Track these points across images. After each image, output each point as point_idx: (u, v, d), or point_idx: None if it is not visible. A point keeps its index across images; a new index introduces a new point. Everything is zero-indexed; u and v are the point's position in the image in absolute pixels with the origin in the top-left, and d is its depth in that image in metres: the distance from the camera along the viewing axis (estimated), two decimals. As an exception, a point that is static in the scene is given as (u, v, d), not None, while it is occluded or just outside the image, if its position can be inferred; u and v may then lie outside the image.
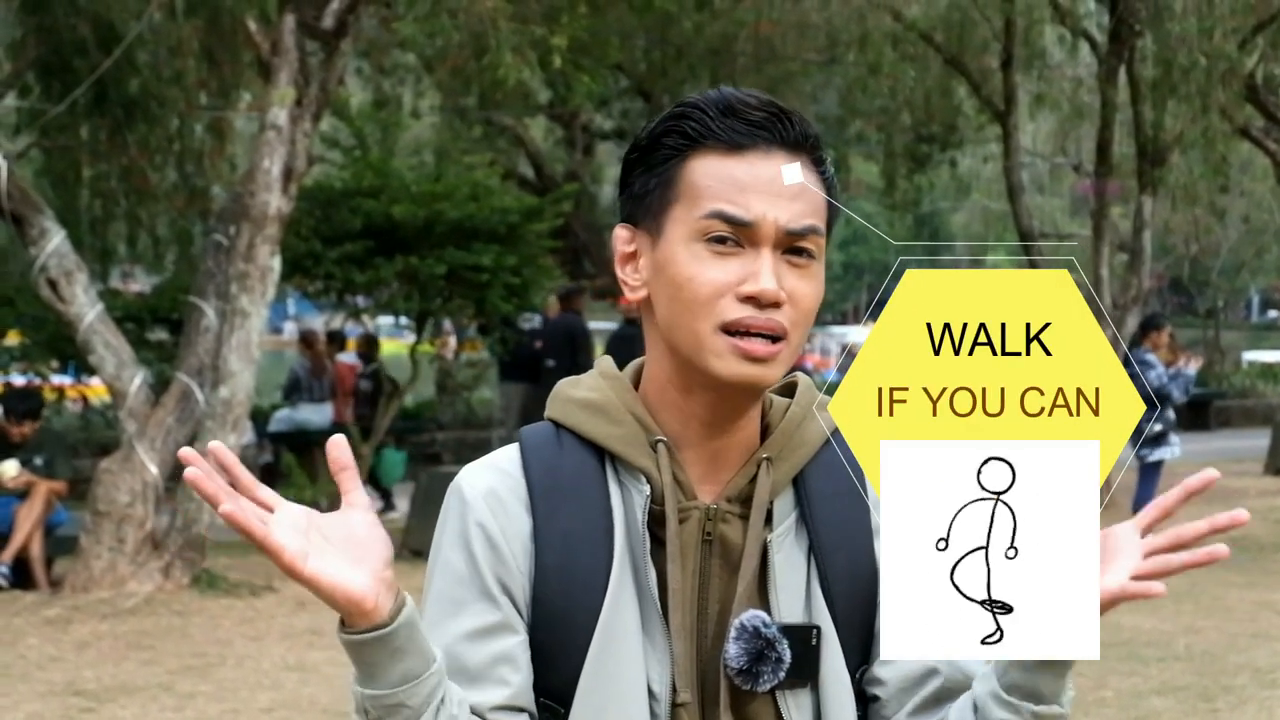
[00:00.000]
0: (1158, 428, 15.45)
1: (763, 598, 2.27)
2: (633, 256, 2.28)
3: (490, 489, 2.25)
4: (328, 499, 16.85)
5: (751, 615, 2.24)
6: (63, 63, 17.53)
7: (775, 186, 2.18)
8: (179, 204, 20.38)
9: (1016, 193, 20.20)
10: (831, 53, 23.70)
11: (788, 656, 2.24)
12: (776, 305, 2.18)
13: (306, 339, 21.32)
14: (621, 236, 2.29)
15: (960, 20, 20.34)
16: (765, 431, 2.32)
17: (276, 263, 13.94)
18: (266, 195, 13.72)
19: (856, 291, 63.56)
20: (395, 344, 23.87)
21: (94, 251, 20.35)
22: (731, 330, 2.17)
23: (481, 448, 23.06)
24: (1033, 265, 19.93)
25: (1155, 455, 15.64)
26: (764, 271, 2.17)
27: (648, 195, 2.24)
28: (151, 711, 9.88)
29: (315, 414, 20.23)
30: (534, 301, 17.44)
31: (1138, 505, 15.52)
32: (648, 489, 2.24)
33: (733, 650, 2.23)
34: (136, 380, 13.61)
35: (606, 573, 2.21)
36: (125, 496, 13.36)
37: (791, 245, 2.20)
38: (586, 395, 2.30)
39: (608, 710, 2.21)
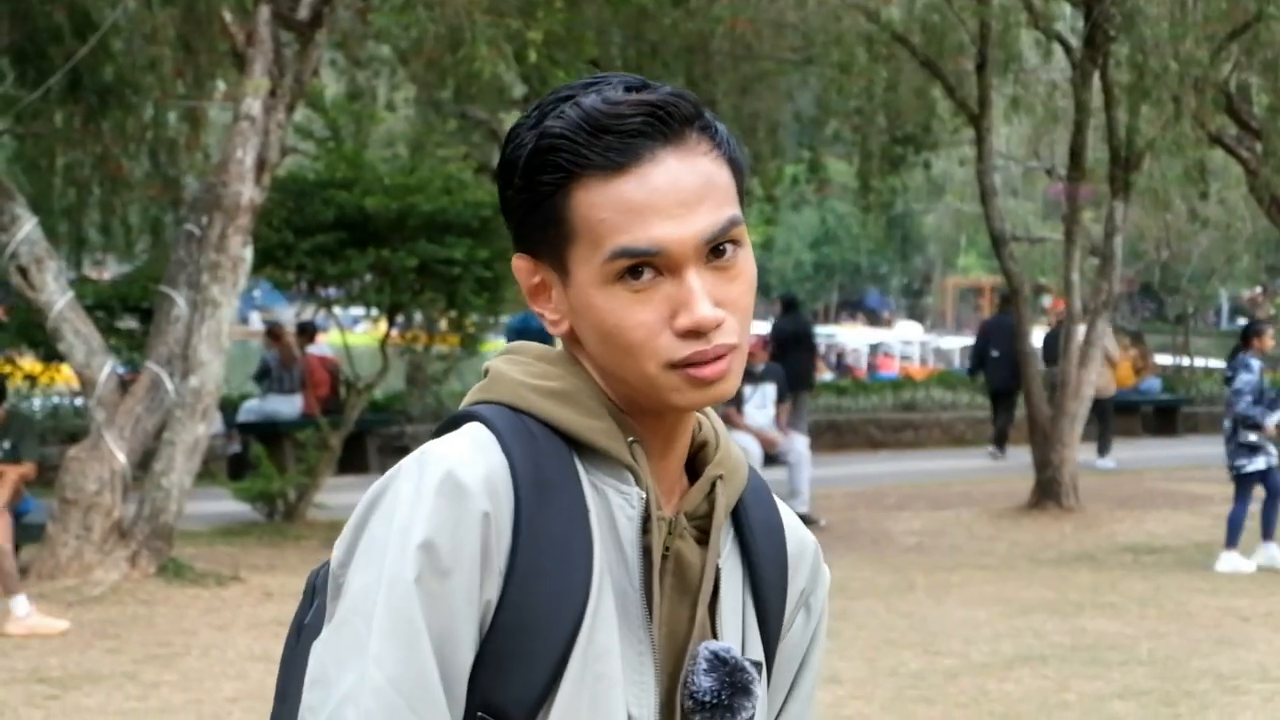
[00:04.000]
0: (1252, 438, 15.33)
1: (711, 626, 2.10)
2: (542, 287, 2.05)
3: (488, 475, 1.96)
4: (296, 490, 16.86)
5: (723, 646, 2.06)
6: (37, 49, 17.50)
7: (675, 197, 1.96)
8: (152, 192, 20.37)
9: (989, 195, 20.24)
10: (807, 52, 23.74)
11: (761, 693, 2.08)
12: (718, 325, 1.98)
13: (273, 331, 21.32)
14: (523, 269, 2.06)
15: (935, 23, 20.37)
16: (695, 443, 2.15)
17: (248, 253, 13.93)
18: (239, 185, 13.72)
19: (828, 291, 63.68)
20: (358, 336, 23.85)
21: (66, 239, 20.32)
22: (681, 365, 1.98)
23: (451, 442, 23.06)
24: (1004, 269, 20.01)
25: (1251, 465, 15.42)
26: (696, 300, 1.96)
27: (537, 230, 2.01)
28: (116, 700, 9.88)
29: (285, 405, 20.24)
30: (505, 296, 17.45)
31: (1233, 521, 15.62)
32: (635, 490, 2.03)
33: (705, 683, 2.04)
34: (106, 368, 13.60)
35: (586, 582, 1.98)
36: (93, 485, 13.35)
37: (714, 248, 1.98)
38: (546, 383, 2.04)
39: None
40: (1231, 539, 15.55)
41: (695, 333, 1.95)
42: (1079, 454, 19.88)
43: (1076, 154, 20.22)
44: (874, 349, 47.21)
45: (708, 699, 2.04)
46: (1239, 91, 22.18)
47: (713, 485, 2.10)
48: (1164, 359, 34.24)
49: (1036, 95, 24.50)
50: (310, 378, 20.59)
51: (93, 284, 19.79)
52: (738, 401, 17.96)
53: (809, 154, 27.88)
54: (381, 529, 1.94)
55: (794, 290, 61.15)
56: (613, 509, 2.03)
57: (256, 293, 29.82)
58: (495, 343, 39.15)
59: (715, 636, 2.08)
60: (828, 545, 16.52)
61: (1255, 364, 15.48)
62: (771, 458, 17.76)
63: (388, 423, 22.70)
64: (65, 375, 18.77)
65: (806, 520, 17.64)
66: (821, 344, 43.03)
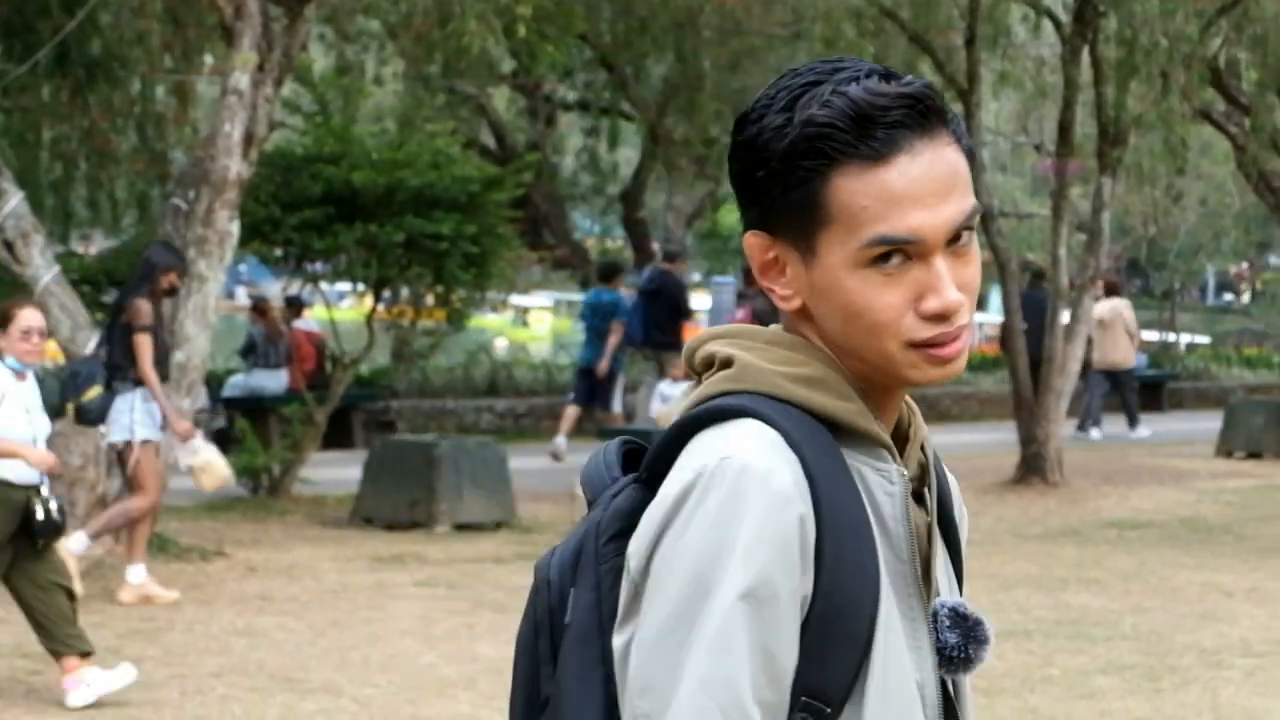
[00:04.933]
0: None
1: (927, 583, 2.17)
2: (774, 264, 2.12)
3: (795, 478, 2.01)
4: (280, 465, 16.86)
5: (958, 602, 2.16)
6: (25, 23, 17.44)
7: (930, 187, 2.05)
8: (139, 167, 20.31)
9: (977, 171, 19.98)
10: (796, 27, 23.70)
11: (991, 639, 2.18)
12: (960, 308, 2.08)
13: (259, 306, 21.31)
14: (758, 245, 2.12)
15: (925, -3, 20.35)
16: None
17: (235, 228, 13.93)
18: (226, 160, 13.71)
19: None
20: (344, 311, 23.85)
21: (53, 213, 20.28)
22: (922, 345, 2.08)
23: (437, 416, 23.07)
24: (991, 245, 20.00)
25: None
26: (944, 286, 2.06)
27: (788, 212, 2.07)
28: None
29: (270, 380, 20.22)
30: (491, 271, 17.45)
31: None
32: (893, 467, 2.11)
33: (951, 639, 2.13)
34: (91, 343, 13.59)
35: (875, 561, 2.05)
36: (77, 459, 13.34)
37: (956, 237, 2.09)
38: (797, 370, 2.09)
39: (891, 709, 2.06)
40: None
41: (941, 316, 2.06)
42: (1064, 429, 19.90)
43: (1065, 129, 20.20)
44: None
45: (954, 654, 2.14)
46: (1228, 67, 22.22)
47: (922, 448, 2.21)
48: (1150, 335, 34.22)
49: (1025, 71, 24.49)
50: (296, 353, 20.57)
51: (79, 258, 19.74)
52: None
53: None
54: (698, 539, 1.99)
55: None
56: (871, 486, 2.10)
57: (243, 267, 29.78)
58: (482, 319, 39.13)
59: (937, 592, 2.17)
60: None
61: None
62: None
63: (373, 398, 22.69)
64: (51, 350, 18.73)
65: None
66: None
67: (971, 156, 2.12)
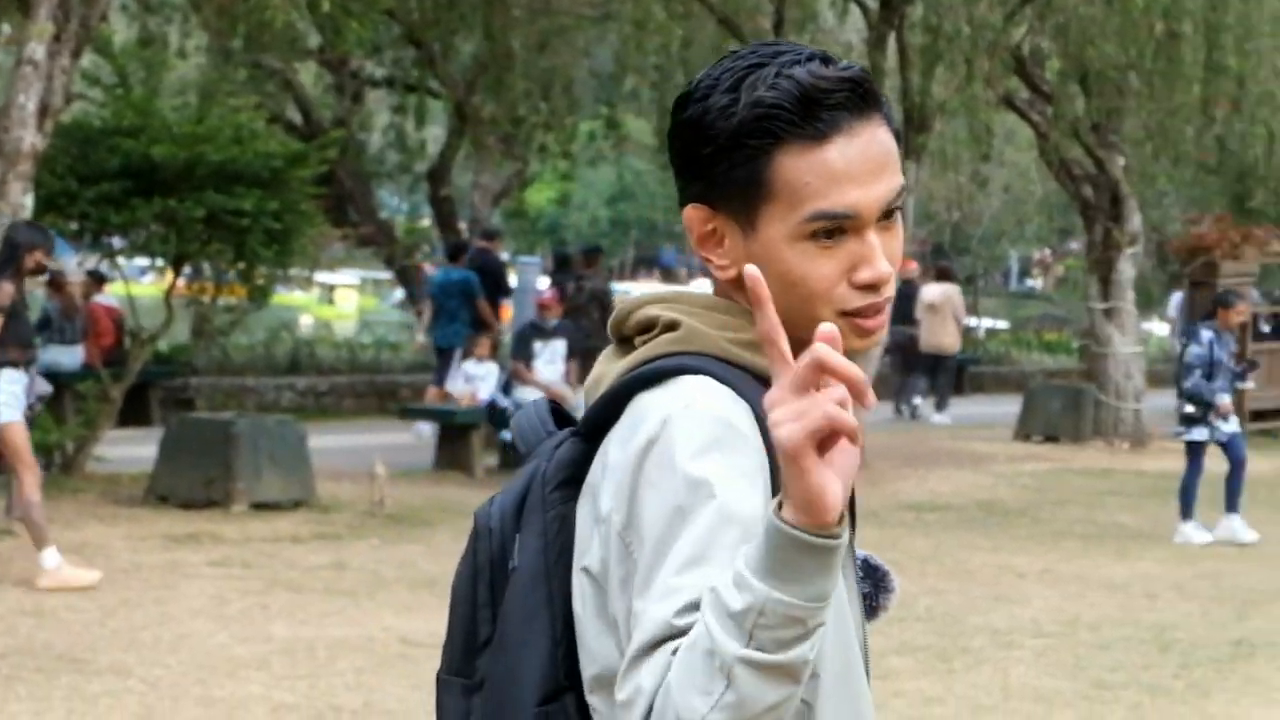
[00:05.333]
0: (1189, 409, 15.08)
1: None
2: (712, 235, 2.24)
3: (751, 421, 2.12)
4: (74, 442, 16.57)
5: (865, 554, 2.33)
6: None
7: (866, 166, 2.17)
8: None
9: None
10: (606, 8, 23.68)
11: (897, 588, 2.40)
12: (889, 280, 2.23)
13: (55, 281, 20.94)
14: (698, 218, 2.23)
15: (733, -20, 20.41)
16: None
17: (29, 200, 13.67)
18: (21, 131, 13.46)
19: (624, 247, 63.65)
20: (145, 286, 23.51)
21: None
22: (851, 314, 2.21)
23: (236, 394, 22.81)
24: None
25: (1189, 435, 15.17)
26: (877, 258, 2.19)
27: (732, 187, 2.19)
28: (-121, 656, 9.66)
29: (65, 356, 19.88)
30: (294, 248, 17.25)
31: (1182, 490, 15.33)
32: None
33: (864, 588, 2.30)
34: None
35: None
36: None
37: (887, 213, 2.22)
38: (737, 334, 2.21)
39: (843, 654, 2.16)
40: (1185, 509, 15.31)
41: (872, 286, 2.20)
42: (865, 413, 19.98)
43: (870, 115, 20.32)
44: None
45: (869, 603, 2.36)
46: (1031, 56, 22.51)
47: None
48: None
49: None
50: (95, 328, 20.24)
51: None
52: (527, 357, 17.91)
53: (607, 110, 27.85)
54: (673, 478, 2.05)
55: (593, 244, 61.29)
56: None
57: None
58: (288, 296, 38.62)
59: None
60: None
61: (1206, 335, 15.11)
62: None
63: (172, 375, 22.41)
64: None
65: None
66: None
67: (898, 136, 2.25)
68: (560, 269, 23.40)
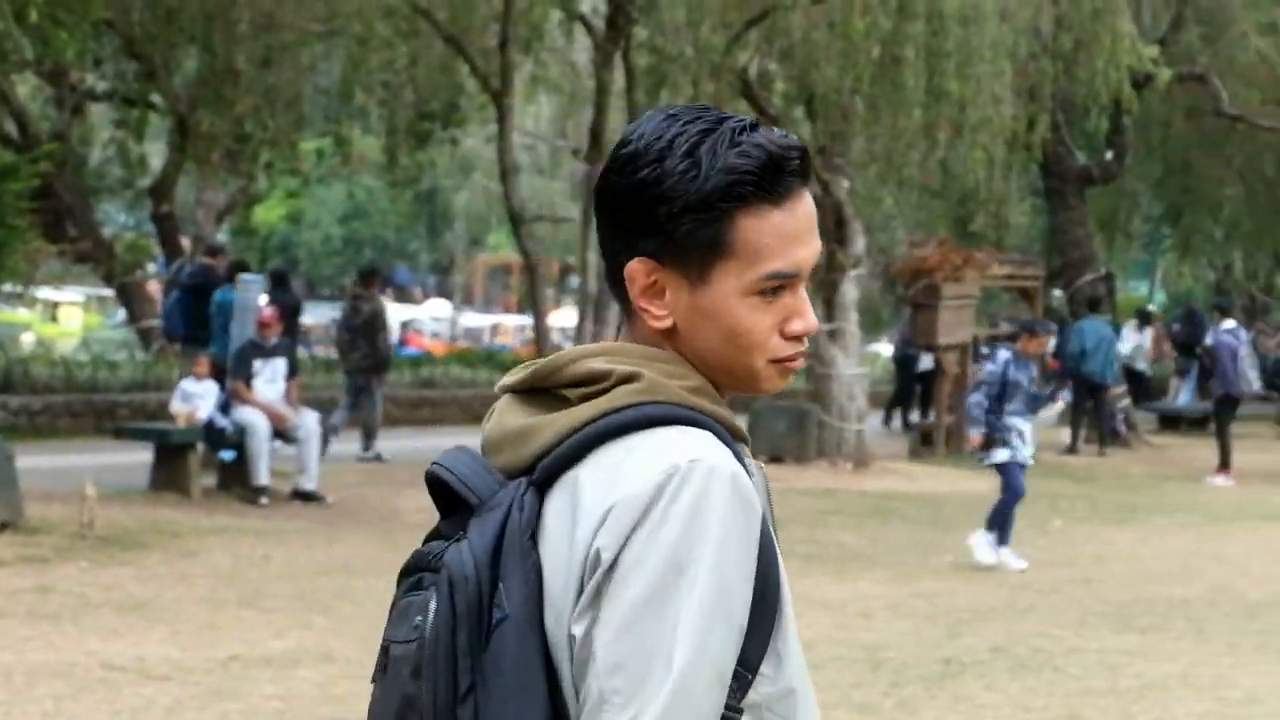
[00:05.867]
0: (972, 433, 14.96)
1: None
2: (653, 287, 2.34)
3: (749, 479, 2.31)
4: None
5: None
6: None
7: (807, 226, 2.36)
8: None
9: (509, 173, 20.30)
10: (331, 24, 23.46)
11: None
12: None
13: None
14: (642, 270, 2.33)
15: (461, -1, 20.34)
16: None
17: None
18: None
19: (356, 266, 63.16)
20: None
21: None
22: (780, 361, 2.39)
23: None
24: (521, 248, 20.09)
25: (993, 459, 14.98)
26: (808, 311, 2.38)
27: (690, 246, 2.31)
28: None
29: None
30: (5, 263, 16.83)
31: (998, 515, 15.07)
32: (754, 462, 2.41)
33: None
34: None
35: (774, 540, 2.34)
36: None
37: None
38: (689, 383, 2.34)
39: (799, 670, 2.36)
40: (1000, 535, 15.07)
41: (801, 336, 2.38)
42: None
43: (597, 135, 20.41)
44: (405, 326, 47.05)
45: None
46: (758, 78, 22.67)
47: None
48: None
49: (563, 75, 24.66)
50: None
51: None
52: (247, 376, 17.62)
53: (334, 128, 27.61)
54: (674, 533, 2.19)
55: (322, 267, 60.72)
56: (757, 482, 2.36)
57: None
58: (7, 313, 37.66)
59: None
60: (335, 523, 16.38)
61: (1003, 356, 15.09)
62: (281, 434, 17.47)
63: None
64: None
65: (312, 497, 17.47)
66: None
67: None
68: (278, 287, 23.09)
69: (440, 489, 2.36)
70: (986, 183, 24.24)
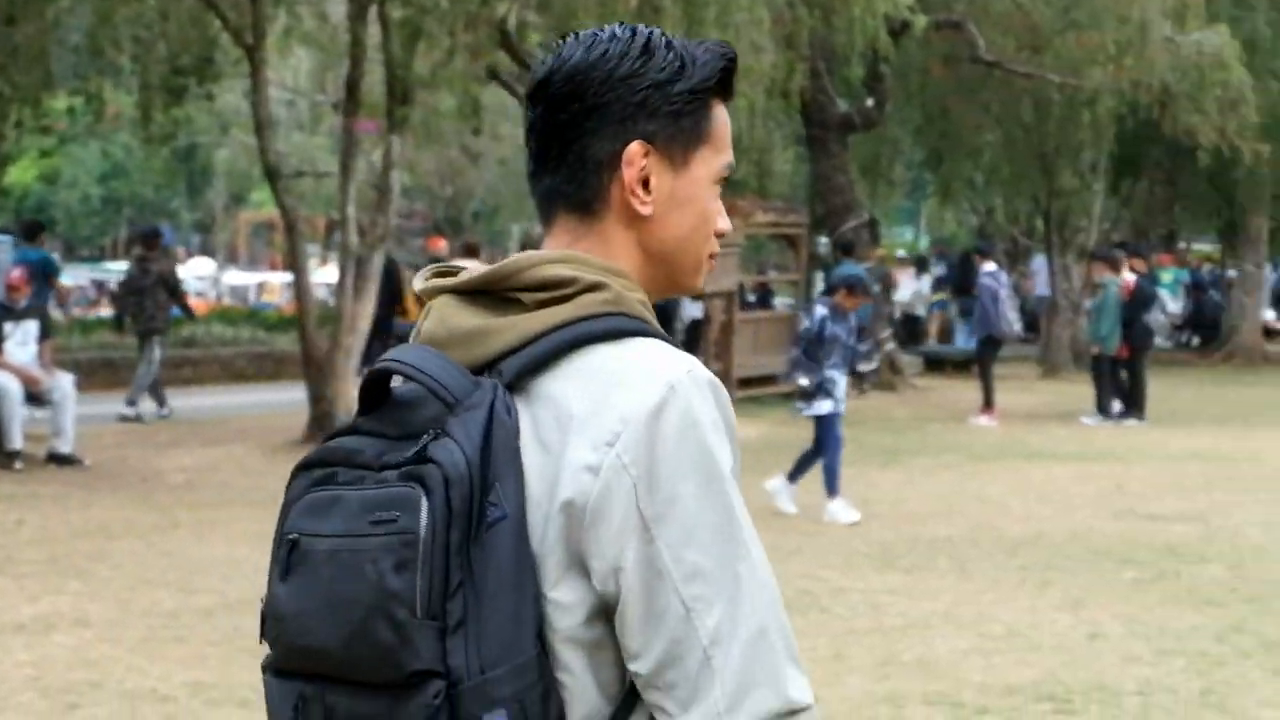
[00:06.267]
0: (802, 381, 14.71)
1: None
2: (641, 174, 2.44)
3: None
4: None
5: None
6: None
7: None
8: None
9: (264, 128, 19.90)
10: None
11: None
12: None
13: None
14: (639, 152, 2.43)
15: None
16: None
17: None
18: None
19: (117, 226, 61.94)
20: None
21: None
22: (711, 257, 2.54)
23: None
24: (279, 202, 19.75)
25: (810, 410, 14.80)
26: (723, 211, 2.54)
27: (680, 131, 2.45)
28: None
29: None
30: None
31: (824, 470, 14.86)
32: None
33: None
34: None
35: None
36: None
37: None
38: (639, 295, 2.43)
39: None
40: (830, 488, 14.90)
41: (721, 235, 2.53)
42: (352, 387, 19.69)
43: (353, 88, 20.11)
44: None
45: None
46: (516, 30, 22.48)
47: None
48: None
49: (320, 29, 24.30)
50: None
51: None
52: (-2, 338, 17.21)
53: (85, 84, 26.95)
54: (696, 441, 2.27)
55: (80, 228, 59.53)
56: None
57: None
58: None
59: None
60: (92, 485, 16.04)
61: (820, 312, 14.92)
62: (34, 397, 17.09)
63: None
64: None
65: (69, 460, 17.10)
66: (109, 280, 41.91)
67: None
68: (29, 239, 22.66)
69: (378, 385, 2.37)
70: (749, 131, 24.30)
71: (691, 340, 27.44)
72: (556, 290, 2.33)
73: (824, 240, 32.13)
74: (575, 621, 2.26)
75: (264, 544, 9.97)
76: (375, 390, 2.37)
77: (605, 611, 2.26)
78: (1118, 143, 32.25)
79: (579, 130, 2.40)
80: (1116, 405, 24.05)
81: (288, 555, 2.31)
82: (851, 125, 29.41)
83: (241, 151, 42.91)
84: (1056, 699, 8.89)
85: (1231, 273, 40.37)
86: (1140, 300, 23.97)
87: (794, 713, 2.25)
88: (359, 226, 19.89)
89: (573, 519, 2.24)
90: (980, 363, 24.83)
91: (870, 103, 29.33)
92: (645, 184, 2.42)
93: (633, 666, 2.26)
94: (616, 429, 2.24)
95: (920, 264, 33.31)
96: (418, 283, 2.47)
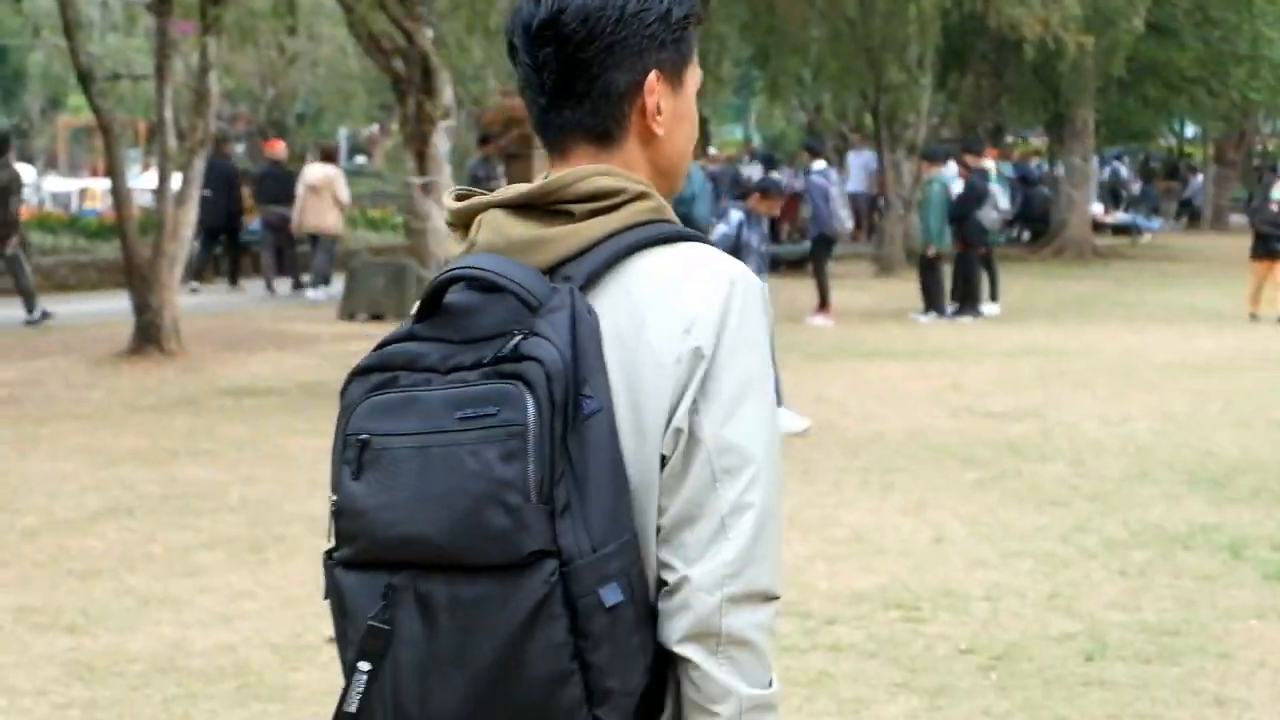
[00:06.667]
0: None
1: None
2: (654, 99, 2.66)
3: None
4: None
5: None
6: None
7: None
8: None
9: (74, 30, 19.25)
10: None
11: None
12: None
13: None
14: (656, 81, 2.65)
15: None
16: None
17: None
18: None
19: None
20: None
21: None
22: None
23: None
24: (93, 106, 19.16)
25: None
26: None
27: (680, 54, 2.68)
28: None
29: None
30: None
31: None
32: None
33: None
34: None
35: None
36: None
37: None
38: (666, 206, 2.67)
39: None
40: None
41: None
42: (177, 295, 19.19)
43: (165, -13, 19.51)
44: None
45: None
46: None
47: None
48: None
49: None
50: None
51: None
52: None
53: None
54: (752, 332, 2.54)
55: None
56: None
57: None
58: None
59: None
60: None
61: (736, 216, 14.61)
62: None
63: None
64: None
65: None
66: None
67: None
68: None
69: (438, 293, 2.52)
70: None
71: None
72: (605, 200, 2.55)
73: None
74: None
75: (91, 459, 9.72)
76: (435, 298, 2.52)
77: None
78: (944, 36, 32.23)
79: (600, 67, 2.60)
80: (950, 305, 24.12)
81: (359, 455, 2.47)
82: (679, 23, 29.07)
83: (55, 54, 41.86)
84: (905, 606, 8.79)
85: (1060, 167, 40.62)
86: (973, 196, 23.98)
87: (773, 598, 2.50)
88: (178, 130, 19.37)
89: (667, 408, 2.49)
90: (814, 262, 24.75)
91: (697, -1, 29.00)
92: (659, 107, 2.65)
93: (658, 521, 2.48)
94: (691, 318, 2.50)
95: (769, 163, 33.01)
96: (450, 201, 2.65)
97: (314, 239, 27.15)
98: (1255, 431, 14.29)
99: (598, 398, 2.42)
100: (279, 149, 30.28)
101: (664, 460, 2.48)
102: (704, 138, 30.33)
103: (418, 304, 2.56)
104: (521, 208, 2.57)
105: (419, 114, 21.46)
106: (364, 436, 2.46)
